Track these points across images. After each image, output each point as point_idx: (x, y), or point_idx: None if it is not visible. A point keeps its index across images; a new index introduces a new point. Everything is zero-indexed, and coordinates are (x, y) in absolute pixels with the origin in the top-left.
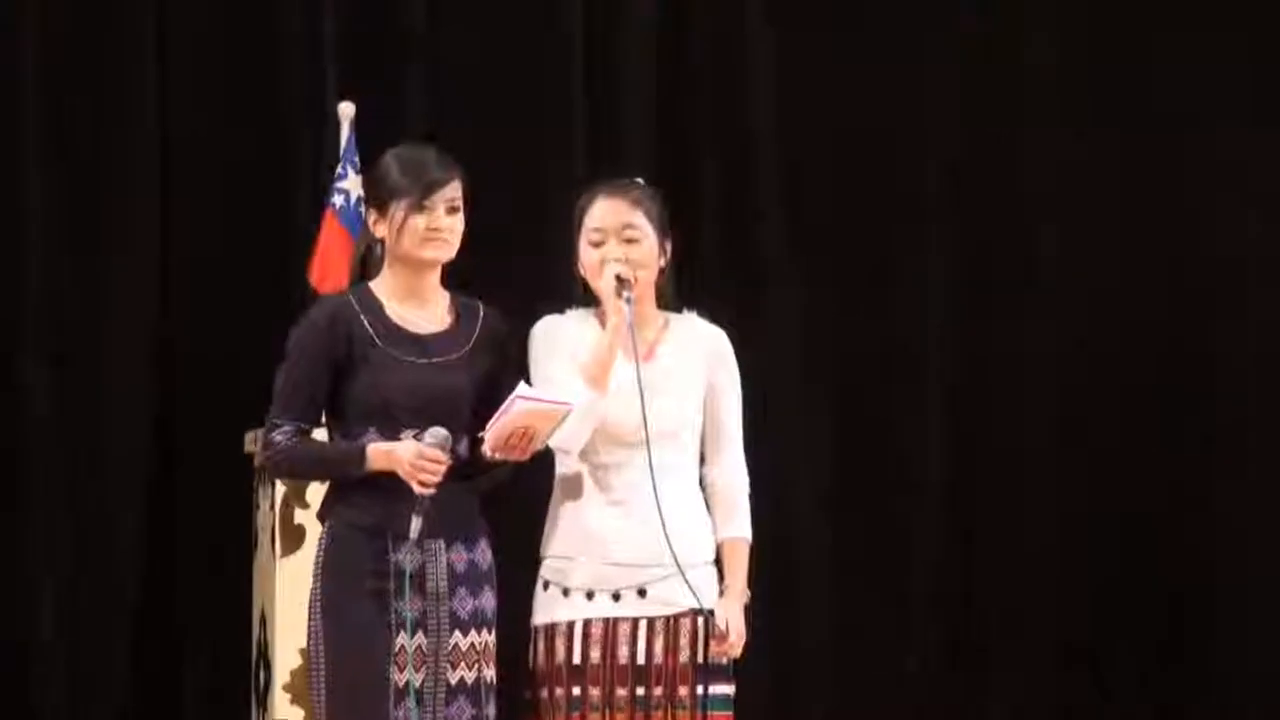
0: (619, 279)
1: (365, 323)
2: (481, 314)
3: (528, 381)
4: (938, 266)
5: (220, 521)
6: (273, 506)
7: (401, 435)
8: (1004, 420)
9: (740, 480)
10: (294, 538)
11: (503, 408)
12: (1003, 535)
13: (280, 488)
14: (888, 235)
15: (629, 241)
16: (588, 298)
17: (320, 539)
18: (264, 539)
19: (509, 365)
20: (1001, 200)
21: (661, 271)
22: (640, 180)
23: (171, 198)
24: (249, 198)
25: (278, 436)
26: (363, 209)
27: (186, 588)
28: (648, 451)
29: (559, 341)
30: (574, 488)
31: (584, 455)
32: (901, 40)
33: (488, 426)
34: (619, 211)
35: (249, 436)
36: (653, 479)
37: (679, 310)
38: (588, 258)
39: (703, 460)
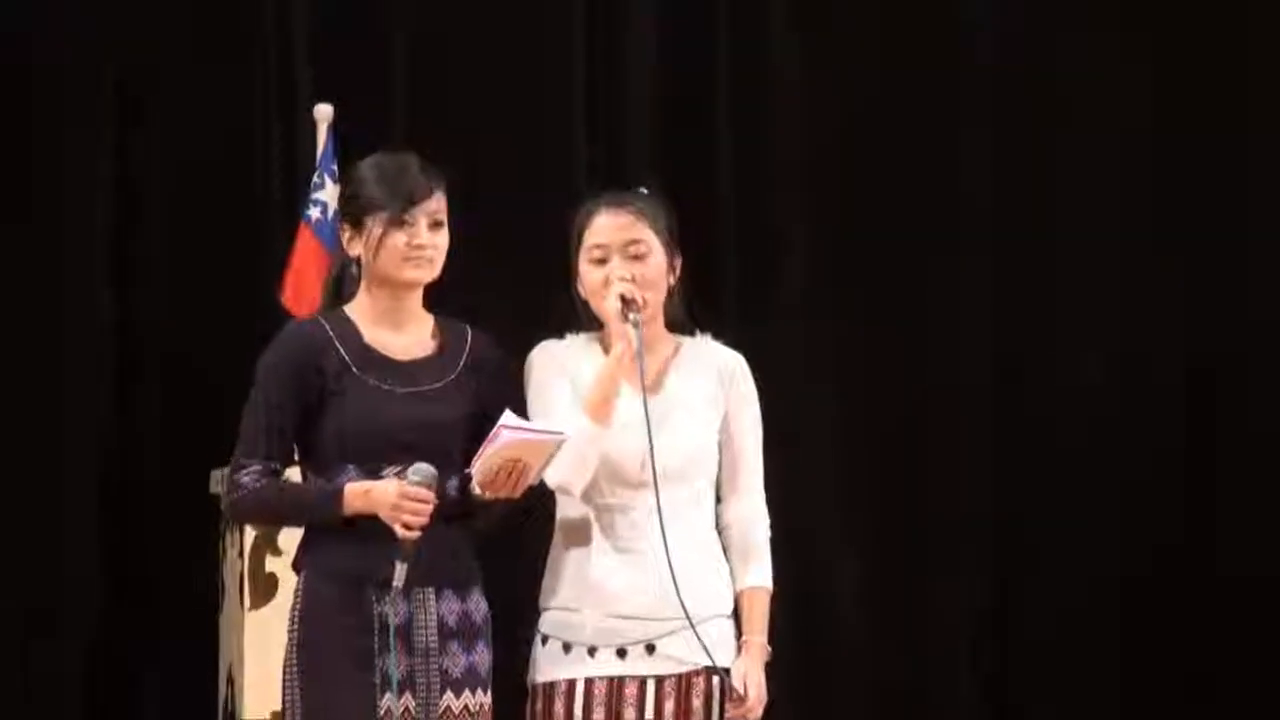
0: (624, 300)
1: (340, 349)
2: (469, 337)
3: (522, 413)
4: (978, 295)
5: (182, 571)
6: (241, 554)
7: (383, 473)
8: (1050, 460)
9: (760, 522)
10: (265, 589)
11: (488, 439)
12: (1049, 579)
13: (250, 533)
14: (921, 261)
15: (634, 258)
16: (590, 321)
17: (295, 590)
18: (232, 590)
19: (501, 393)
20: (1041, 220)
21: (671, 290)
22: (645, 189)
23: (127, 209)
24: (213, 211)
25: (245, 477)
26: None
27: (144, 644)
28: (654, 492)
29: (558, 369)
30: (576, 532)
31: (587, 496)
32: (934, 54)
33: (474, 461)
34: (622, 225)
35: (215, 476)
36: (660, 523)
37: (692, 333)
38: (589, 277)
39: (719, 499)
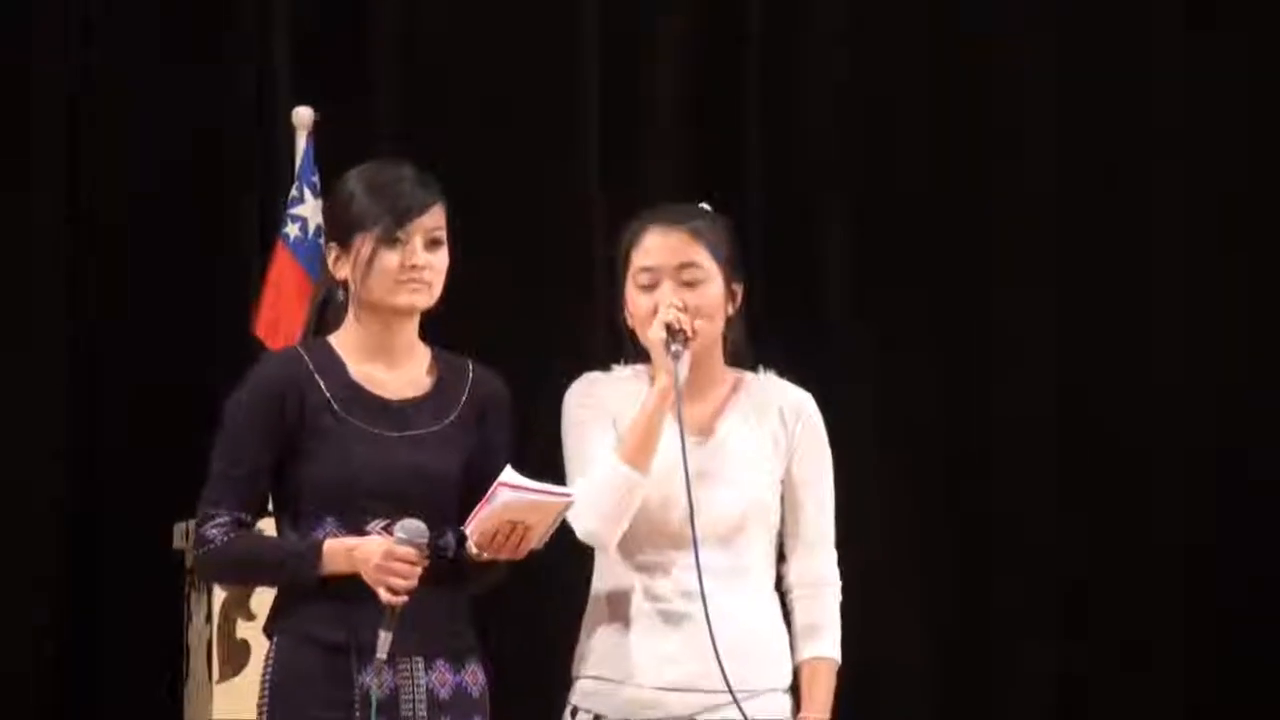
0: (669, 329)
1: (322, 386)
2: (470, 374)
3: (517, 466)
4: (1041, 323)
5: (144, 636)
6: (210, 618)
7: (367, 528)
8: (1130, 512)
9: (827, 585)
10: (236, 657)
11: (485, 498)
12: (1122, 629)
13: (219, 594)
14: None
15: (687, 284)
16: (639, 353)
17: (266, 657)
18: (198, 658)
19: (504, 440)
20: (1114, 229)
21: (730, 320)
22: (705, 206)
23: (80, 228)
24: (177, 228)
25: (212, 530)
26: (322, 242)
27: (103, 718)
28: (694, 550)
29: (599, 405)
30: (614, 593)
31: (626, 552)
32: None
33: (469, 519)
34: (675, 246)
35: (179, 529)
36: (700, 585)
37: (754, 369)
38: (636, 304)
39: (782, 557)
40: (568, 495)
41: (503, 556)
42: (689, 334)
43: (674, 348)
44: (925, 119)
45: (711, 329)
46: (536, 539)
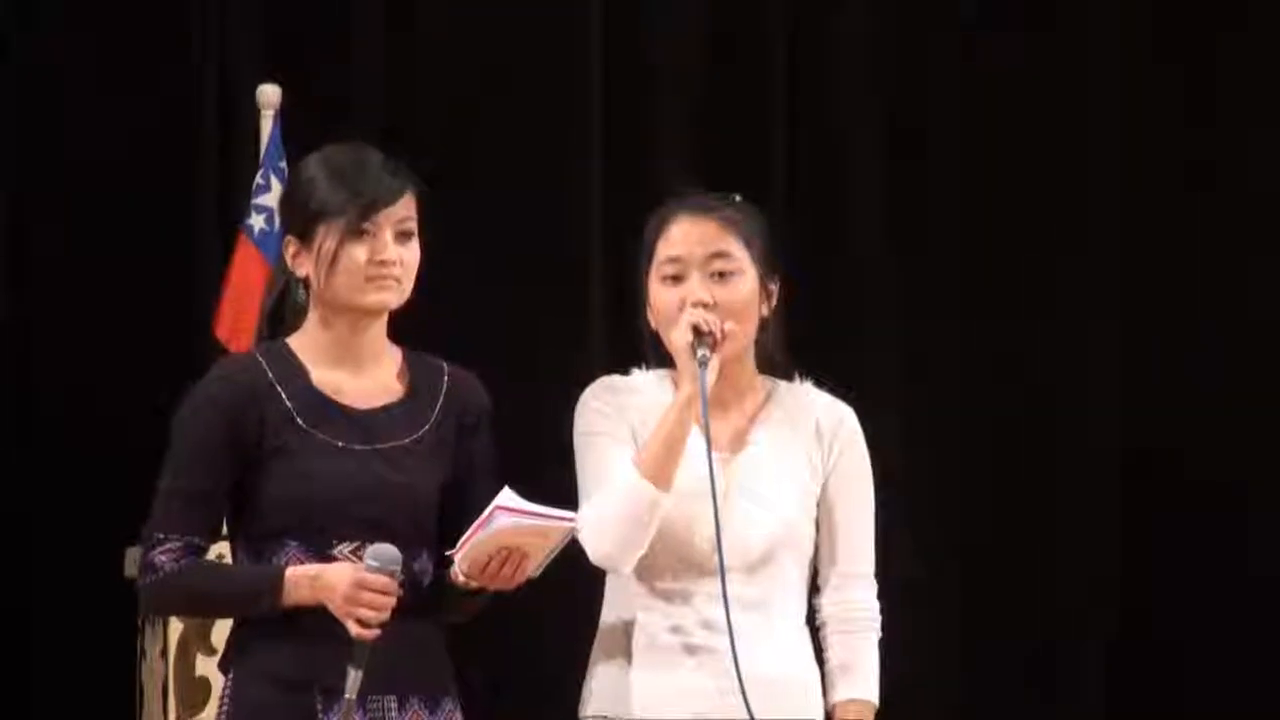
0: (696, 330)
1: (282, 395)
2: (446, 378)
3: (501, 480)
4: (1106, 321)
5: (91, 675)
6: (164, 653)
7: (334, 554)
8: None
9: (866, 618)
10: (194, 696)
11: (479, 521)
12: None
13: (175, 627)
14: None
15: (718, 277)
16: (662, 356)
17: (222, 696)
18: (153, 699)
19: (485, 452)
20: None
21: (765, 322)
22: (738, 197)
23: (16, 217)
24: (128, 219)
25: (161, 557)
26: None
27: None
28: (721, 578)
29: (618, 415)
30: (629, 624)
31: (643, 579)
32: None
33: (459, 544)
34: (705, 235)
35: (130, 555)
36: (727, 617)
37: (789, 377)
38: (660, 299)
39: (816, 588)
40: (570, 519)
41: (495, 586)
42: (718, 337)
43: (701, 353)
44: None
45: (743, 331)
46: (533, 567)
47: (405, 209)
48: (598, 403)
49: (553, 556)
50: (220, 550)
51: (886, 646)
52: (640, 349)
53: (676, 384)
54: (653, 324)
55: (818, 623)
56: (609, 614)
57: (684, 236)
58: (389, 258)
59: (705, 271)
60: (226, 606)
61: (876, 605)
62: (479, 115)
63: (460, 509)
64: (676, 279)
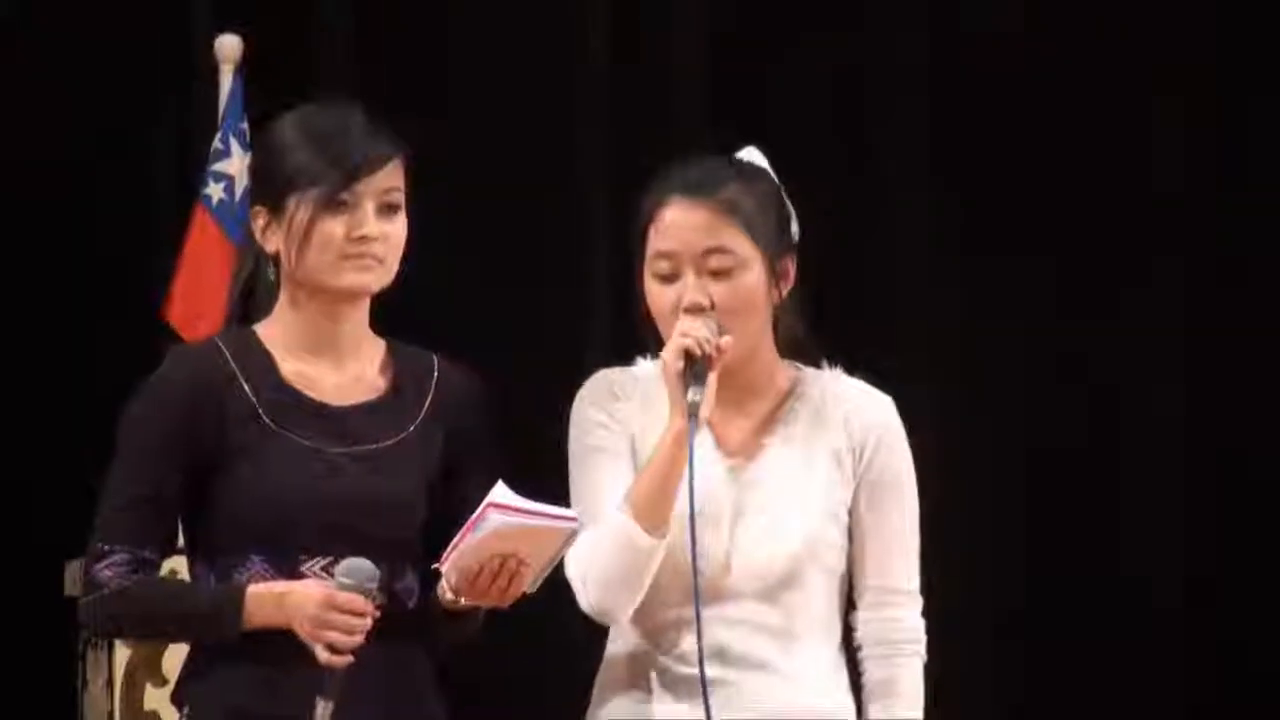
0: (688, 357)
1: (246, 389)
2: (435, 372)
3: (512, 484)
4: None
5: (27, 705)
6: (110, 683)
7: (303, 569)
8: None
9: (907, 640)
10: None
11: (469, 524)
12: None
13: (121, 652)
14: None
15: (716, 274)
16: (662, 343)
17: None
18: None
19: (480, 453)
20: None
21: (780, 306)
22: (744, 156)
23: None
24: (68, 191)
25: (105, 572)
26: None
27: None
28: (696, 613)
29: (616, 424)
30: (631, 655)
31: (649, 605)
32: None
33: (447, 553)
34: (700, 226)
35: (70, 570)
36: (700, 650)
37: (818, 362)
38: (654, 297)
39: (853, 605)
40: (574, 519)
41: (487, 602)
42: (715, 355)
43: (690, 395)
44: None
45: (748, 331)
46: (531, 577)
47: (390, 178)
48: (595, 410)
49: (554, 565)
50: (174, 565)
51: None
52: (641, 337)
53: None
54: (654, 319)
55: (855, 643)
56: (613, 644)
57: (676, 228)
58: (370, 233)
59: (701, 268)
60: (181, 629)
61: (920, 625)
62: (465, 73)
63: (451, 520)
64: (670, 276)
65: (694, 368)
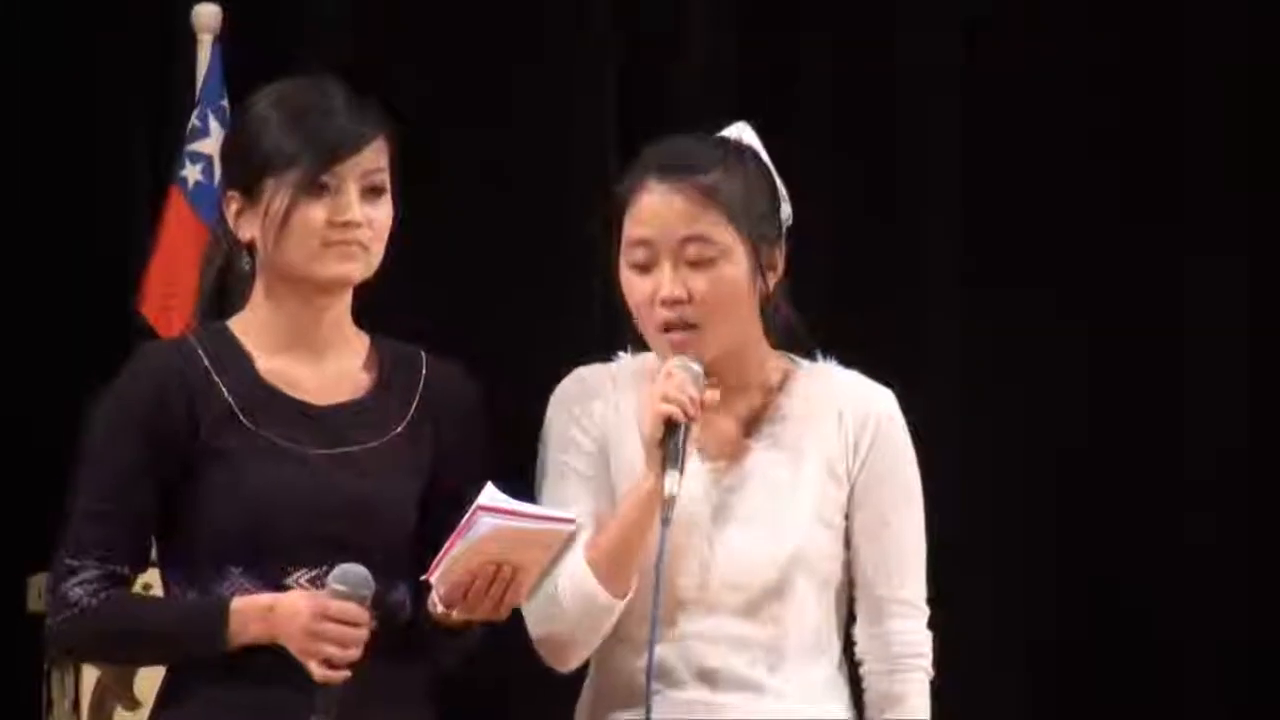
0: (669, 423)
1: (222, 388)
2: (424, 368)
3: (508, 490)
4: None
5: None
6: (77, 705)
7: (289, 580)
8: None
9: (910, 654)
10: None
11: (457, 530)
12: None
13: (89, 674)
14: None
15: (694, 265)
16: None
17: None
18: None
19: (472, 453)
20: None
21: (769, 297)
22: (731, 133)
23: None
24: (38, 174)
25: (76, 589)
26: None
27: None
28: (651, 628)
29: (590, 437)
30: (613, 677)
31: (627, 622)
32: None
33: (435, 563)
34: (679, 213)
35: (35, 585)
36: (649, 665)
37: (811, 354)
38: (630, 287)
39: (852, 616)
40: (571, 521)
41: (481, 615)
42: (697, 413)
43: (669, 483)
44: None
45: (730, 326)
46: (529, 587)
47: (375, 158)
48: (565, 419)
49: (551, 570)
50: (147, 580)
51: None
52: (623, 328)
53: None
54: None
55: (856, 658)
56: (594, 666)
57: (653, 214)
58: (354, 218)
59: (679, 258)
60: (159, 649)
61: (926, 638)
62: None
63: (444, 525)
64: (647, 266)
65: (674, 437)
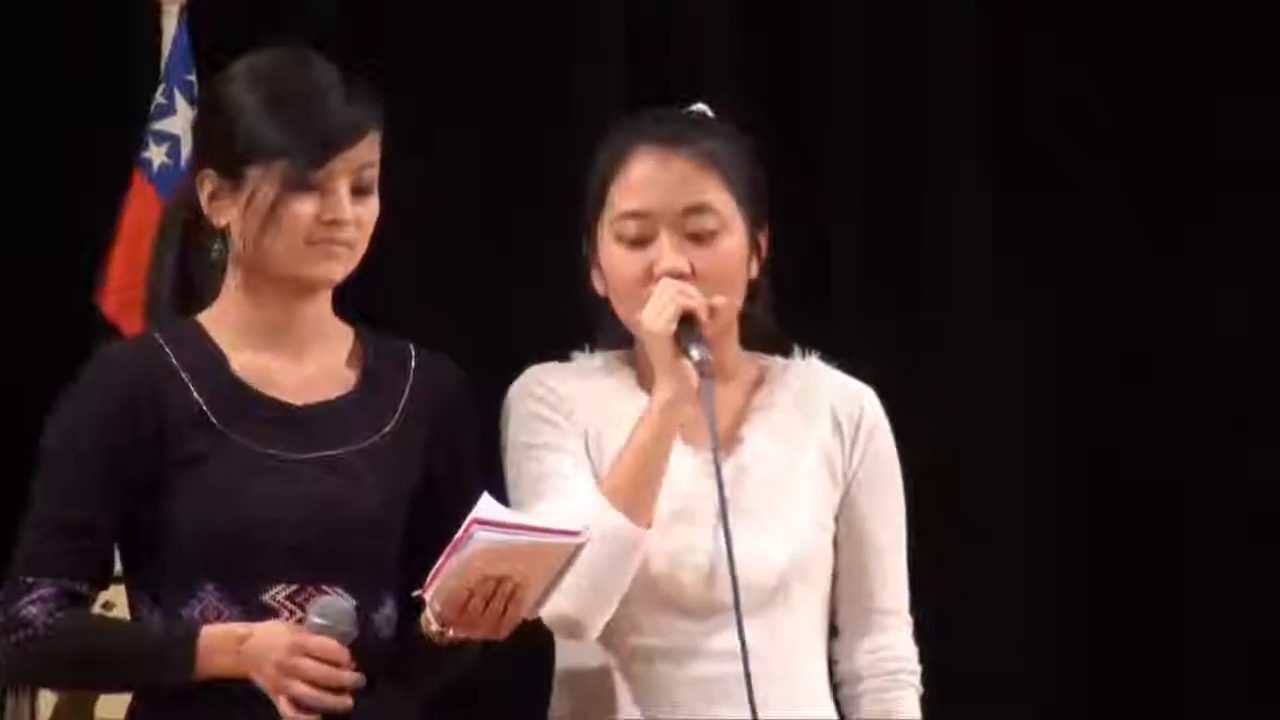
0: (685, 318)
1: (192, 389)
2: (413, 364)
3: (500, 497)
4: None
5: None
6: None
7: (267, 598)
8: None
9: (904, 670)
10: None
11: (452, 544)
12: None
13: (48, 698)
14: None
15: (695, 238)
16: (615, 333)
17: None
18: None
19: (467, 456)
20: None
21: (754, 285)
22: (705, 108)
23: None
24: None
25: (31, 608)
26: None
27: None
28: (739, 627)
29: (565, 414)
30: (592, 691)
31: (610, 634)
32: None
33: (430, 578)
34: (678, 182)
35: None
36: (748, 678)
37: (786, 352)
38: (618, 265)
39: (835, 630)
40: (578, 533)
41: (480, 633)
42: (706, 319)
43: (695, 353)
44: None
45: (731, 306)
46: (530, 603)
47: (367, 152)
48: (537, 404)
49: (556, 586)
50: (109, 597)
51: None
52: (585, 321)
53: (639, 370)
54: (602, 289)
55: (838, 673)
56: (561, 681)
57: (649, 182)
58: (344, 217)
59: (680, 231)
60: (120, 676)
61: (914, 651)
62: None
63: (437, 534)
64: (641, 241)
65: (688, 333)
